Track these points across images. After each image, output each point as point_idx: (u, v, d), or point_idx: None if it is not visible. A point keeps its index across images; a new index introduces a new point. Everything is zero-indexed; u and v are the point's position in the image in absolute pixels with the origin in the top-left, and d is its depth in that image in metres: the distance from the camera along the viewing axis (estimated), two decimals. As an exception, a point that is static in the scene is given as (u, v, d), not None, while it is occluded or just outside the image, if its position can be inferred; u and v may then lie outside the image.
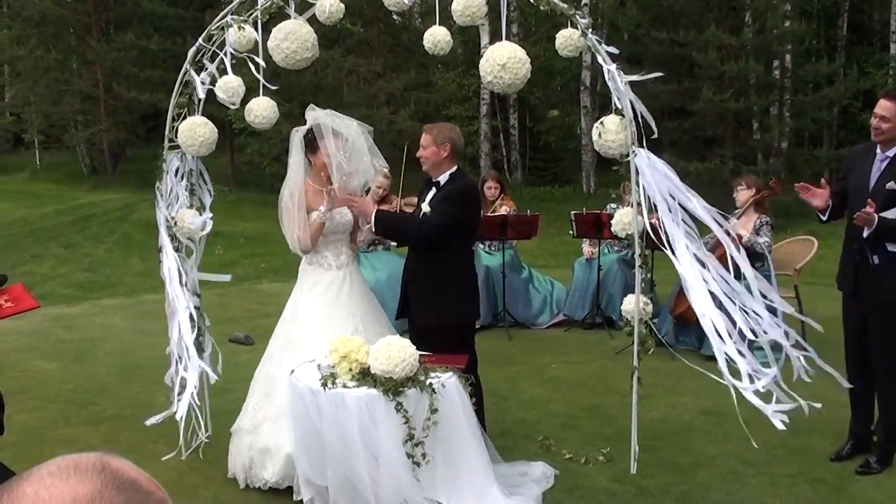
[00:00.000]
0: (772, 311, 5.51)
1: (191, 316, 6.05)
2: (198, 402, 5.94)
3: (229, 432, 5.95)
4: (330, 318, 5.79)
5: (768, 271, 8.53)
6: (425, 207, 5.89)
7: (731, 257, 5.39)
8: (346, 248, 6.07)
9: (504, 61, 5.28)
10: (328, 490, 4.95)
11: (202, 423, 6.18)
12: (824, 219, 6.03)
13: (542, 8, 5.39)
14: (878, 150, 5.75)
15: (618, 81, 5.35)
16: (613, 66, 5.38)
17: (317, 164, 5.95)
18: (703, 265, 5.38)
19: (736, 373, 5.17)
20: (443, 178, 5.95)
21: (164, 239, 6.07)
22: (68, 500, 1.03)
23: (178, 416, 5.83)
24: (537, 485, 5.56)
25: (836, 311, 6.21)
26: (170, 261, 6.05)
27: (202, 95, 5.96)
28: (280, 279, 13.00)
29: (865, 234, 5.63)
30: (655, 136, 5.60)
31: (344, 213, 5.99)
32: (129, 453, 6.45)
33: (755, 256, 8.32)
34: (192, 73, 5.98)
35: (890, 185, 5.60)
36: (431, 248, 5.88)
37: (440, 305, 5.85)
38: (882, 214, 5.54)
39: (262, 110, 5.93)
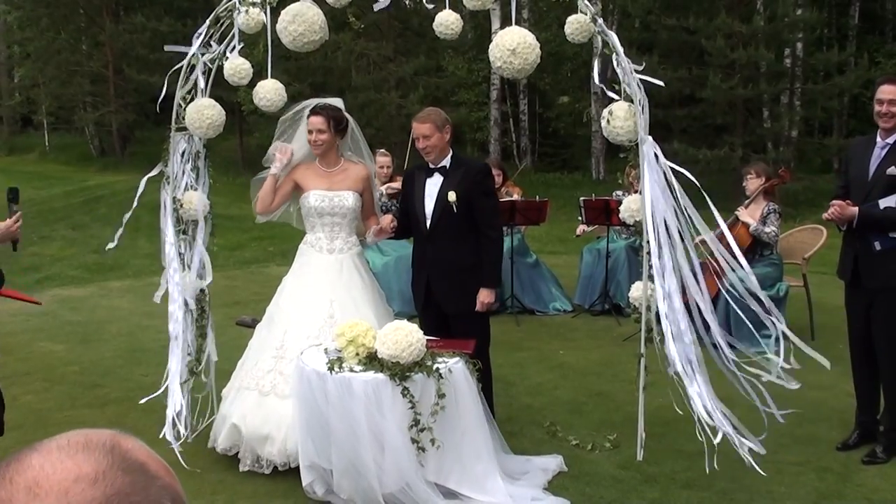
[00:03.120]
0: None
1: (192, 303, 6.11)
2: (183, 393, 5.99)
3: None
4: (306, 302, 5.84)
5: (777, 260, 8.54)
6: (451, 197, 5.77)
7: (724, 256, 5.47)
8: (344, 233, 6.00)
9: (514, 46, 5.23)
10: (332, 474, 4.96)
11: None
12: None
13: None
14: (878, 139, 5.78)
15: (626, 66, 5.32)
16: (622, 52, 5.34)
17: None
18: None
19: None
20: (446, 162, 5.91)
21: (168, 225, 6.04)
22: (72, 477, 1.01)
23: (168, 410, 5.89)
24: (543, 473, 5.55)
25: (843, 300, 6.20)
26: (171, 248, 6.04)
27: (202, 85, 5.98)
28: (288, 263, 12.84)
29: (854, 226, 5.67)
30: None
31: (344, 197, 5.95)
32: (135, 435, 6.43)
33: (763, 244, 8.33)
34: (200, 58, 5.97)
35: (890, 170, 5.61)
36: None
37: (473, 291, 5.85)
38: (881, 201, 5.56)
39: (266, 92, 5.91)
